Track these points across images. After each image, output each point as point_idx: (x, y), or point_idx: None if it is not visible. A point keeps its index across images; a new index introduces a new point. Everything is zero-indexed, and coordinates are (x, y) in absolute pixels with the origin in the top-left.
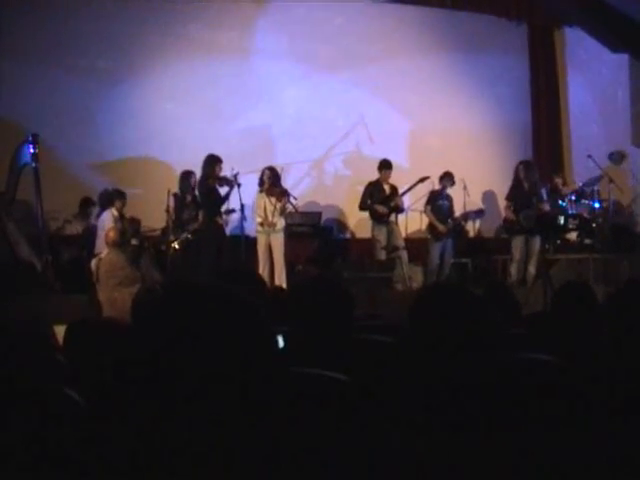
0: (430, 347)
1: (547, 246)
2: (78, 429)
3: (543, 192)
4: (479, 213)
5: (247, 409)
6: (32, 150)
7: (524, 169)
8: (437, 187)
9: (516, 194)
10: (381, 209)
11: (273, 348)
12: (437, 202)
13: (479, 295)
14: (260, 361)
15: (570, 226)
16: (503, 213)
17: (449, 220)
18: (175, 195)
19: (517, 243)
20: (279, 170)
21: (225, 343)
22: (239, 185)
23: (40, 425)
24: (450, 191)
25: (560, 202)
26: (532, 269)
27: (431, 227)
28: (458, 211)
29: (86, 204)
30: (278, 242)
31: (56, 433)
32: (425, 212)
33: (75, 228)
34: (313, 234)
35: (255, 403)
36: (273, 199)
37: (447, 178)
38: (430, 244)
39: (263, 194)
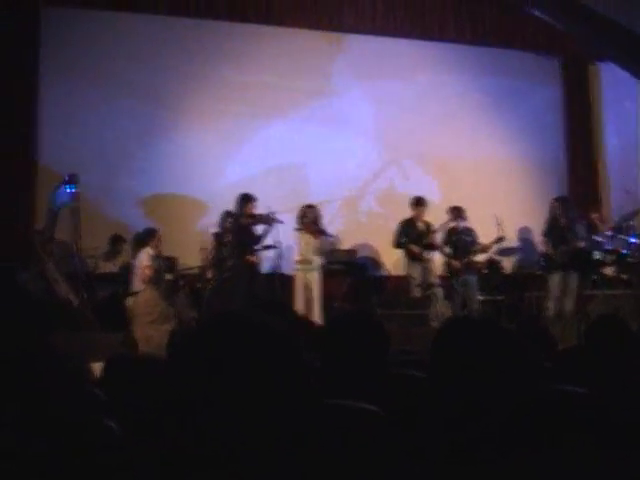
0: (451, 379)
1: (583, 282)
2: (114, 459)
3: (580, 229)
4: (512, 250)
5: (281, 440)
6: (69, 190)
7: (561, 206)
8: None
9: (552, 230)
10: (415, 249)
11: (307, 379)
12: (453, 238)
13: (503, 327)
14: (294, 392)
15: (606, 261)
16: (538, 249)
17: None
18: (215, 234)
19: (554, 280)
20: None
21: (259, 376)
22: (279, 221)
23: (76, 455)
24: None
25: (595, 237)
26: (569, 305)
27: (446, 263)
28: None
29: (117, 242)
30: (315, 279)
31: (93, 462)
32: (440, 249)
33: (108, 266)
34: (348, 272)
35: (289, 434)
36: (310, 237)
37: (451, 211)
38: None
39: (301, 232)
